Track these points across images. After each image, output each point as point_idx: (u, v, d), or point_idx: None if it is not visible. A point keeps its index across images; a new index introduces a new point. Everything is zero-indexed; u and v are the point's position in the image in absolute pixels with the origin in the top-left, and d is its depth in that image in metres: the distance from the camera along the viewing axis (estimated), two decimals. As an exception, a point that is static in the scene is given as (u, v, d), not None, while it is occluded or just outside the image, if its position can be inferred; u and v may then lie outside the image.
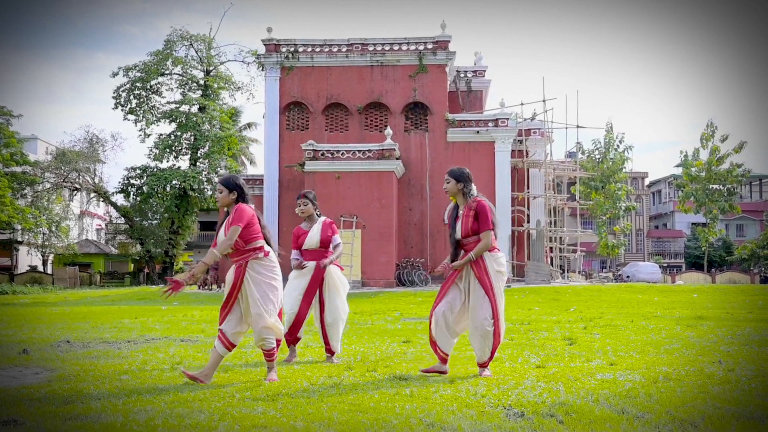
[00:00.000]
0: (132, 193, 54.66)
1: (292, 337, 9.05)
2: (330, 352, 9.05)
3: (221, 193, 7.42)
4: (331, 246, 9.25)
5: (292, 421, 5.32)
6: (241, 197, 7.47)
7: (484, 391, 6.41)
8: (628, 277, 49.07)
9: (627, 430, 4.97)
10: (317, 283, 9.06)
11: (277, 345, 7.45)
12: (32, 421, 5.40)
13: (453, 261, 7.69)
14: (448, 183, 7.79)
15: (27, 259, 60.56)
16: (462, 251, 7.68)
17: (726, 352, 9.14)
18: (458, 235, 7.68)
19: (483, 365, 7.55)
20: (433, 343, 7.65)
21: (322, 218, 9.32)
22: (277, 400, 6.11)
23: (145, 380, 7.33)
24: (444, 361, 7.63)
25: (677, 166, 59.91)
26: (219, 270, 41.90)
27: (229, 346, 7.30)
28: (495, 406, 5.81)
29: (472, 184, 7.84)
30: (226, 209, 7.56)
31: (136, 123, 54.17)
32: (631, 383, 6.75)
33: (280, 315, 7.58)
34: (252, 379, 7.31)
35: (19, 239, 56.35)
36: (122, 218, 59.57)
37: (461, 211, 7.74)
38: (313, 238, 9.11)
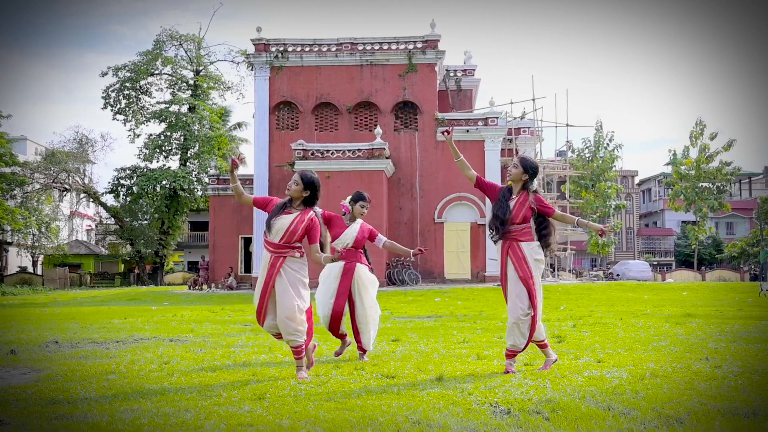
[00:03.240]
0: (122, 193, 54.61)
1: (336, 333, 9.12)
2: (361, 349, 9.07)
3: (297, 185, 7.44)
4: (375, 242, 9.30)
5: (278, 419, 5.31)
6: (311, 199, 7.56)
7: (471, 389, 6.42)
8: (618, 275, 49.13)
9: (612, 426, 4.99)
10: (348, 280, 9.05)
11: (309, 338, 7.55)
12: (18, 421, 5.39)
13: (497, 236, 7.78)
14: (515, 168, 7.85)
15: (17, 260, 60.37)
16: (505, 235, 7.77)
17: (713, 349, 9.17)
18: (508, 215, 7.70)
19: (511, 355, 7.63)
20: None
21: (361, 220, 9.31)
22: (264, 399, 6.10)
23: (132, 380, 7.31)
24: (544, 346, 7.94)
25: (667, 164, 59.99)
26: (209, 271, 41.90)
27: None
28: (482, 403, 5.82)
29: (535, 180, 7.95)
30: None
31: (125, 123, 54.20)
32: (618, 380, 6.77)
33: (309, 315, 7.57)
34: (239, 379, 7.30)
35: (9, 240, 56.20)
36: (112, 219, 59.47)
37: (515, 196, 7.79)
38: (348, 236, 9.04)
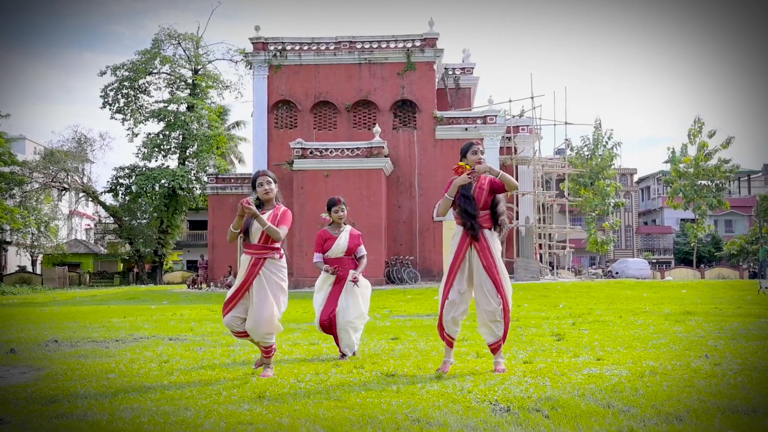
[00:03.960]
0: (121, 192, 54.57)
1: (336, 339, 9.12)
2: (341, 353, 9.06)
3: (269, 185, 7.55)
4: (356, 256, 9.33)
5: (278, 417, 5.31)
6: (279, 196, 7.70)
7: (471, 387, 6.42)
8: (617, 273, 49.15)
9: (612, 424, 4.98)
10: (340, 289, 9.11)
11: None
12: (18, 420, 5.39)
13: (471, 232, 7.55)
14: (483, 153, 7.74)
15: (16, 259, 60.36)
16: (462, 226, 7.60)
17: (713, 347, 9.16)
18: (477, 209, 7.55)
19: (496, 348, 7.55)
20: (441, 328, 7.64)
21: (349, 227, 9.35)
22: (264, 398, 6.10)
23: (132, 378, 7.31)
24: (450, 345, 7.66)
25: (666, 162, 60.00)
26: (208, 270, 41.89)
27: (244, 335, 7.53)
28: (481, 401, 5.81)
29: None
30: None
31: (123, 122, 54.14)
32: (618, 378, 6.76)
33: None
34: (239, 377, 7.30)
35: (8, 240, 56.16)
36: (111, 218, 59.42)
37: (474, 184, 7.64)
38: (340, 246, 9.14)
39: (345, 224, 9.36)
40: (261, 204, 7.57)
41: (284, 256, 7.64)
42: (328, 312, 9.04)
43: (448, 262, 7.67)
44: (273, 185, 7.56)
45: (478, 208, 7.56)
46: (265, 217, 7.42)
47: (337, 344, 9.08)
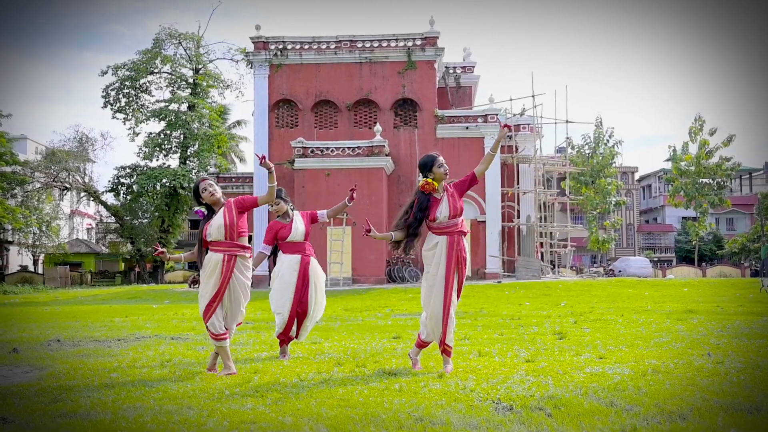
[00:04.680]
0: (122, 192, 54.51)
1: (286, 336, 9.06)
2: (291, 339, 9.13)
3: (212, 186, 7.66)
4: (320, 219, 9.36)
5: (281, 416, 5.31)
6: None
7: (473, 386, 6.41)
8: (619, 271, 49.16)
9: (615, 422, 4.98)
10: (305, 278, 9.07)
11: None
12: (22, 419, 5.40)
13: (408, 246, 7.69)
14: (446, 167, 7.65)
15: (18, 259, 60.33)
16: (444, 235, 7.54)
17: (715, 345, 9.16)
18: (447, 217, 7.49)
19: (426, 345, 7.85)
20: (444, 343, 7.54)
21: (297, 212, 9.34)
22: (266, 396, 6.10)
23: (134, 377, 7.32)
24: (450, 354, 7.62)
25: (667, 160, 59.96)
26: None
27: (224, 336, 7.58)
28: (484, 400, 5.82)
29: None
30: (202, 210, 7.77)
31: (125, 122, 54.07)
32: (620, 376, 6.76)
33: None
34: (241, 376, 7.30)
35: (10, 239, 56.15)
36: (112, 217, 59.39)
37: (442, 194, 7.60)
38: (299, 230, 9.10)
39: (293, 211, 9.33)
40: (211, 208, 7.68)
41: (252, 257, 7.87)
42: (297, 302, 9.04)
43: (437, 274, 7.56)
44: (216, 186, 7.69)
45: (450, 216, 7.55)
46: (220, 214, 7.57)
47: (297, 331, 9.10)
